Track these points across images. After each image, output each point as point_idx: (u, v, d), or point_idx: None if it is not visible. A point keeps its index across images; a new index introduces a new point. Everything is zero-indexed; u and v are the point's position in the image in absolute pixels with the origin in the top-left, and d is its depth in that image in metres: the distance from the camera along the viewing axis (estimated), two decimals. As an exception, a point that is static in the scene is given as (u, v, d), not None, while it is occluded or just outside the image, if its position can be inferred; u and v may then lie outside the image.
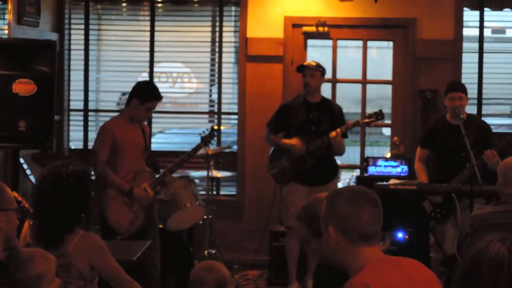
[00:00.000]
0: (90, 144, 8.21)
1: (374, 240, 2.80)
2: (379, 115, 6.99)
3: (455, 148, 6.44)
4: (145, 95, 6.32)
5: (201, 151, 7.03)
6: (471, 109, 7.58)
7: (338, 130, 6.89)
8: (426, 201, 6.56)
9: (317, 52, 8.91)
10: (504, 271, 2.15)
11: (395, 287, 2.67)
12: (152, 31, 8.54)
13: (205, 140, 6.80)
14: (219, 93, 8.55)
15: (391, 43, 8.45)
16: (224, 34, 8.55)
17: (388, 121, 8.49)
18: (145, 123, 6.68)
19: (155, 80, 8.58)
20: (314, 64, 7.09)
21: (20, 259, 3.24)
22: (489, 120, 7.27)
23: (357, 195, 2.80)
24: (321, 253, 2.93)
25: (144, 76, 8.57)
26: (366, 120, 7.04)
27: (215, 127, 7.02)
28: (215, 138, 6.95)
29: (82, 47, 8.59)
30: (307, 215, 3.47)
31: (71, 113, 8.69)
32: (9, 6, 6.95)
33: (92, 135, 8.24)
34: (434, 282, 2.84)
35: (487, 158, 6.29)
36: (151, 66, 8.56)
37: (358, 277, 2.70)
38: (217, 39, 8.57)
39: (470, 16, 8.31)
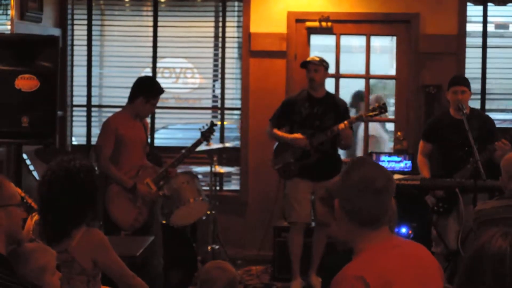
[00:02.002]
0: (93, 140, 8.22)
1: (378, 223, 2.76)
2: (383, 108, 6.98)
3: (459, 143, 6.43)
4: (151, 92, 6.34)
5: (205, 147, 7.04)
6: (474, 104, 7.56)
7: (346, 122, 6.88)
8: (429, 195, 6.56)
9: (320, 47, 8.88)
10: (506, 266, 2.16)
11: (389, 276, 2.65)
12: (155, 27, 8.53)
13: (205, 135, 6.79)
14: (222, 88, 8.55)
15: (394, 38, 8.44)
16: (227, 29, 8.54)
17: (391, 116, 8.49)
18: (147, 118, 6.69)
19: (158, 75, 8.57)
20: (318, 59, 7.09)
21: (22, 253, 3.24)
22: (492, 115, 7.25)
23: (363, 182, 2.74)
24: (336, 236, 2.89)
25: (147, 72, 8.56)
26: (370, 114, 7.03)
27: (216, 122, 6.99)
28: (215, 133, 6.94)
29: (85, 42, 8.58)
30: (327, 194, 3.32)
31: (74, 108, 8.68)
32: (12, 2, 6.95)
33: (95, 131, 8.25)
34: (436, 270, 2.82)
35: (500, 148, 6.28)
36: (154, 62, 8.55)
37: (352, 267, 2.68)
38: (220, 34, 8.56)
39: (473, 11, 8.28)
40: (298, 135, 6.99)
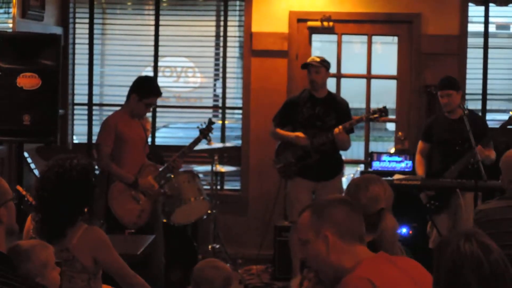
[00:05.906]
0: (94, 138, 8.22)
1: (364, 238, 2.93)
2: (383, 111, 6.98)
3: (452, 142, 6.51)
4: (144, 91, 6.33)
5: (206, 146, 7.04)
6: (475, 105, 7.57)
7: (341, 126, 6.87)
8: (423, 192, 6.61)
9: (322, 47, 8.89)
10: (485, 269, 2.23)
11: (395, 282, 2.70)
12: (156, 25, 8.54)
13: (203, 133, 6.78)
14: (224, 87, 8.55)
15: (396, 38, 8.44)
16: (228, 28, 8.55)
17: (392, 116, 8.48)
18: (149, 117, 6.68)
19: (159, 74, 8.58)
20: (318, 60, 7.05)
21: (23, 250, 3.25)
22: (493, 116, 7.27)
23: (347, 202, 2.98)
24: None
25: (149, 71, 8.57)
26: (370, 117, 7.03)
27: (214, 120, 6.99)
28: (213, 131, 6.92)
29: (87, 41, 8.59)
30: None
31: (75, 107, 8.69)
32: (14, 0, 6.95)
33: (96, 129, 8.25)
34: (430, 283, 2.86)
35: (480, 153, 6.29)
36: (156, 61, 8.56)
37: (356, 273, 2.74)
38: (221, 34, 8.57)
39: (475, 11, 8.29)
40: (299, 134, 6.99)
